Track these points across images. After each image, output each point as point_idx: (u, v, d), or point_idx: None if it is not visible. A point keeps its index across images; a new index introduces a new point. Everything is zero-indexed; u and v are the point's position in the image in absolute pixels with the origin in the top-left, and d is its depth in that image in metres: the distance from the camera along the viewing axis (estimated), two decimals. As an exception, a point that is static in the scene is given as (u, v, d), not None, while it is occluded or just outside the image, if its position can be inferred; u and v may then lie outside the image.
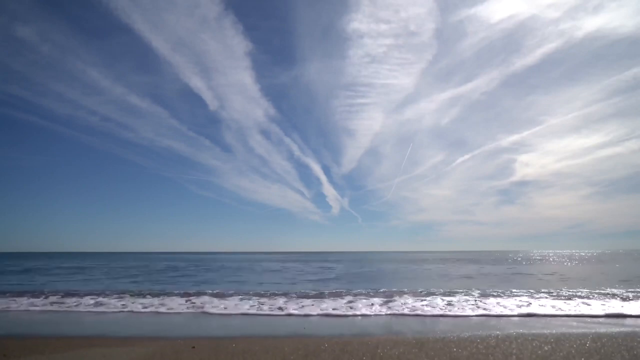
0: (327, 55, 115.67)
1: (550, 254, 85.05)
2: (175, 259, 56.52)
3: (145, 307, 10.64)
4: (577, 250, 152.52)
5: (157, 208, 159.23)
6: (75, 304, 11.27)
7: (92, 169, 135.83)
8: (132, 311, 10.21)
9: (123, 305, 10.97)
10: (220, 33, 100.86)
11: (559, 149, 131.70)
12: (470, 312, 9.42)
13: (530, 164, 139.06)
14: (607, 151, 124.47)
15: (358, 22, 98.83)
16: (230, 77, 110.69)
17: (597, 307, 10.08)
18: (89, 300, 11.98)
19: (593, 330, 7.27)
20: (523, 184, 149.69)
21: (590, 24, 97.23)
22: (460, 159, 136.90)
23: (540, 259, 52.84)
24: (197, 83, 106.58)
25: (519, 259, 55.49)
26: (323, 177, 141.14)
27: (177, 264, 39.89)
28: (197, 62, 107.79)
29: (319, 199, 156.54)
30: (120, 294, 13.71)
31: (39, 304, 11.15)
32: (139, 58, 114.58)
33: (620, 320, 8.51)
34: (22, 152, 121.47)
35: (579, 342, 6.29)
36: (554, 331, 7.19)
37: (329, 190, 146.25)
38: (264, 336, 7.08)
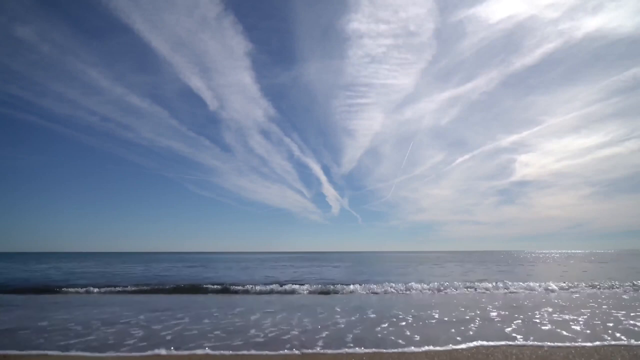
0: (326, 55, 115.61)
1: (568, 254, 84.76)
2: (172, 259, 56.35)
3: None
4: (580, 250, 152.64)
5: (157, 208, 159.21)
6: None
7: (92, 169, 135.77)
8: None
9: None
10: (220, 33, 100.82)
11: (558, 149, 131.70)
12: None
13: (530, 164, 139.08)
14: (607, 151, 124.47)
15: (358, 23, 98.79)
16: (230, 77, 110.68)
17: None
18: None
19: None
20: (523, 184, 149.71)
21: (590, 24, 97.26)
22: (460, 159, 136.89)
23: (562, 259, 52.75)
24: (197, 83, 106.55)
25: (532, 258, 55.39)
26: (323, 177, 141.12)
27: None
28: (197, 62, 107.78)
29: (319, 199, 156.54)
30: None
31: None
32: (139, 58, 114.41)
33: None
34: (22, 152, 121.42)
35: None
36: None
37: (328, 190, 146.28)
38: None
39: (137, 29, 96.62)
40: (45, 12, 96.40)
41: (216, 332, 7.69)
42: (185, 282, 16.97)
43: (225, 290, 15.29)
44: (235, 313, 10.05)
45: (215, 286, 15.76)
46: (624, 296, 13.72)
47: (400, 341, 6.73)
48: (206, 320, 9.02)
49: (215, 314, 9.89)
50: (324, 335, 7.33)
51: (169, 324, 8.58)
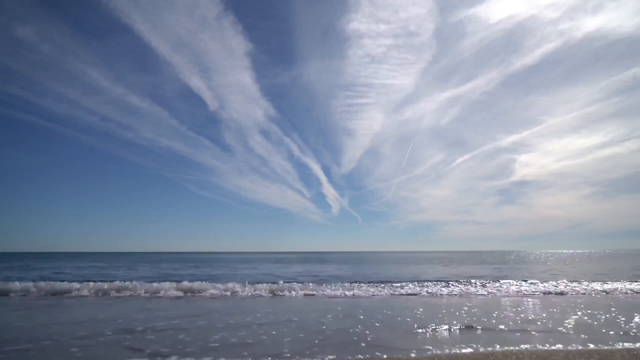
0: (326, 55, 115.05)
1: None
2: (171, 259, 56.29)
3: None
4: (581, 250, 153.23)
5: (157, 208, 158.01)
6: None
7: (92, 169, 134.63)
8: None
9: None
10: (220, 33, 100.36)
11: (558, 149, 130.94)
12: None
13: (530, 164, 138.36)
14: (607, 151, 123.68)
15: (357, 23, 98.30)
16: (230, 77, 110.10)
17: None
18: None
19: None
20: (523, 184, 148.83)
21: (590, 24, 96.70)
22: (460, 159, 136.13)
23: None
24: (197, 83, 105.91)
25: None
26: (323, 177, 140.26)
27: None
28: (197, 62, 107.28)
29: (319, 199, 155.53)
30: None
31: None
32: (139, 58, 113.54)
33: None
34: (22, 152, 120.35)
35: (578, 343, 6.23)
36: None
37: (328, 190, 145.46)
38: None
39: (137, 29, 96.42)
40: (45, 12, 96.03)
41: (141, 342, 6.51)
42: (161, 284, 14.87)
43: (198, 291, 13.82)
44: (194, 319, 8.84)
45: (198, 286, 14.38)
46: None
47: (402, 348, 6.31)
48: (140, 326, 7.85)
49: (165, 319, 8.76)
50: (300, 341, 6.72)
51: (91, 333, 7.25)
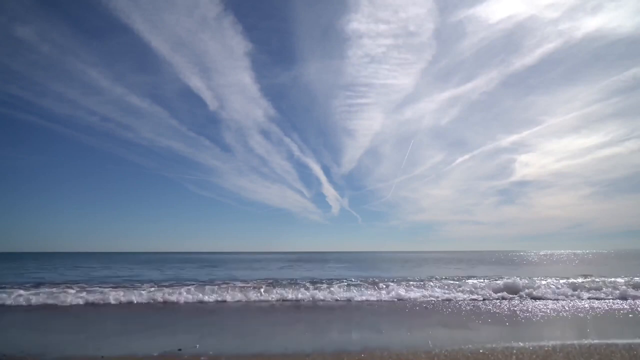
0: (326, 55, 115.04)
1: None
2: (170, 260, 56.09)
3: None
4: (580, 250, 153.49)
5: (157, 208, 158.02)
6: None
7: (92, 169, 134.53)
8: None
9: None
10: (219, 33, 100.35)
11: (558, 149, 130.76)
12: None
13: (530, 164, 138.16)
14: (607, 151, 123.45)
15: (357, 23, 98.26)
16: (230, 77, 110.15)
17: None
18: None
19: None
20: (523, 184, 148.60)
21: (589, 24, 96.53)
22: (460, 159, 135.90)
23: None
24: (196, 83, 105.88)
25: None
26: (323, 177, 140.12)
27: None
28: (197, 62, 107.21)
29: (319, 199, 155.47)
30: None
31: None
32: (139, 58, 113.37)
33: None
34: (22, 152, 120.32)
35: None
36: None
37: (328, 190, 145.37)
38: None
39: (137, 29, 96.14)
40: (45, 12, 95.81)
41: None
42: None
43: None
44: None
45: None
46: None
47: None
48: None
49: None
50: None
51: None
